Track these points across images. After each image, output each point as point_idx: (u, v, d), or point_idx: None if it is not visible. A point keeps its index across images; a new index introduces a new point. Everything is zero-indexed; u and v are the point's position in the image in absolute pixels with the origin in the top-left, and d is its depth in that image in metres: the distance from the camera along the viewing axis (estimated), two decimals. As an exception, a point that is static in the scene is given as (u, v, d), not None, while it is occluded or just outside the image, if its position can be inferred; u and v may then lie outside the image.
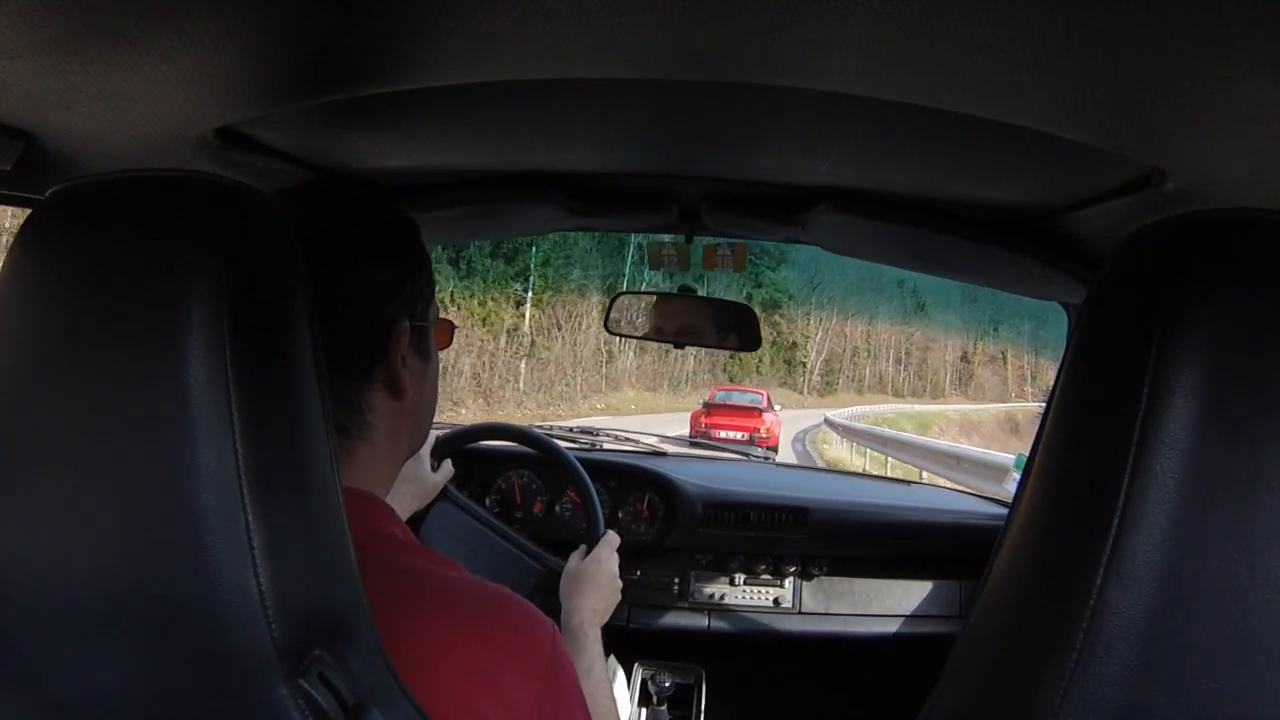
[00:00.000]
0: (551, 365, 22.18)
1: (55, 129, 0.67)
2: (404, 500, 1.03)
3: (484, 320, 20.39)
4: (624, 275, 25.21)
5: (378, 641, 0.41)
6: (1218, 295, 0.35)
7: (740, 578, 1.47)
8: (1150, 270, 0.37)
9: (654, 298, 1.42)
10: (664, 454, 1.65)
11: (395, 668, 0.41)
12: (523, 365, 21.10)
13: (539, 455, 1.25)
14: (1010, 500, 0.52)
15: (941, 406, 32.88)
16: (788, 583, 1.47)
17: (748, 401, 13.28)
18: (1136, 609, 0.35)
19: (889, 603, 1.46)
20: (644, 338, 1.45)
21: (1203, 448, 0.34)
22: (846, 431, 13.18)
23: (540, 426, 1.53)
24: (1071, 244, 0.95)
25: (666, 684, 1.42)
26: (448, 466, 1.11)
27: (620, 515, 1.45)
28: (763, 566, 1.45)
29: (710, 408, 12.79)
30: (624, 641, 1.30)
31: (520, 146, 0.90)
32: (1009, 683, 0.40)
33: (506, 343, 20.87)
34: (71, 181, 0.38)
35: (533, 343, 21.71)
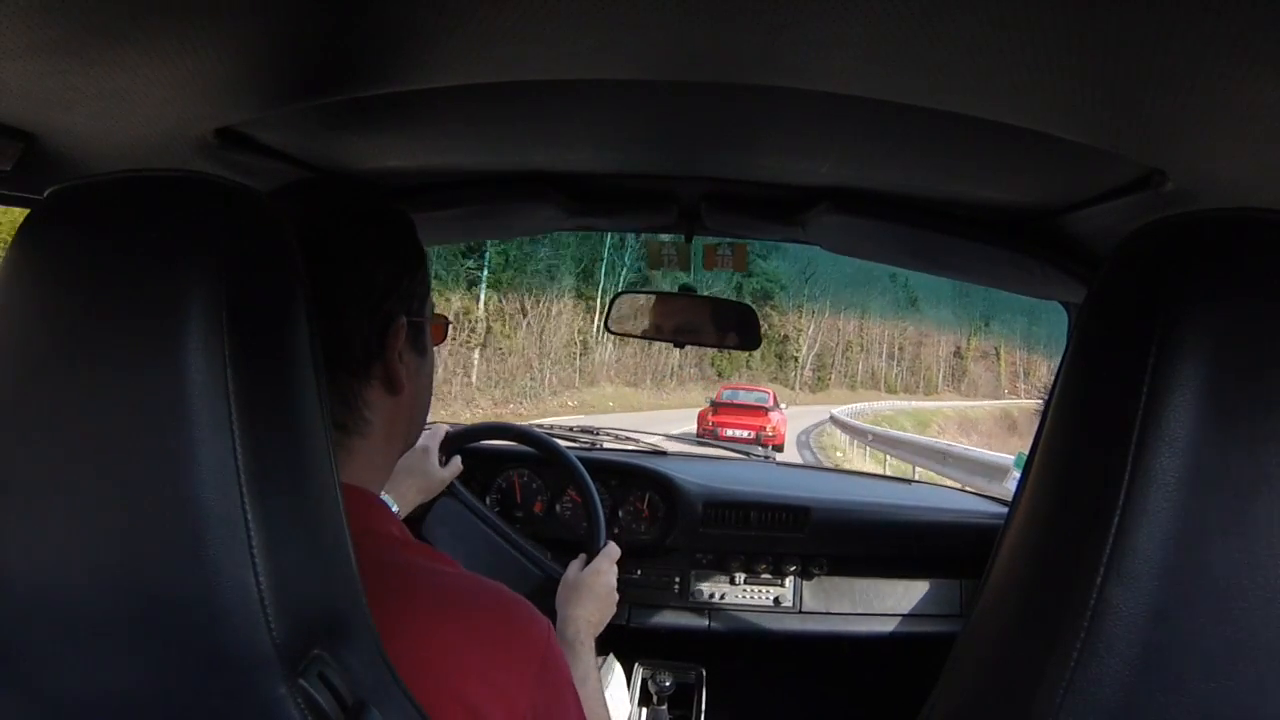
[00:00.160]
0: (513, 356, 19.47)
1: (55, 129, 0.67)
2: (408, 493, 1.04)
3: (427, 302, 18.27)
4: (602, 259, 23.47)
5: (377, 641, 0.41)
6: (1217, 295, 0.35)
7: (740, 577, 1.47)
8: (1150, 269, 0.37)
9: (654, 297, 1.42)
10: (664, 453, 1.65)
11: (393, 665, 0.41)
12: (476, 356, 18.34)
13: (540, 455, 1.25)
14: (1010, 499, 0.52)
15: (938, 403, 32.39)
16: (788, 582, 1.47)
17: (754, 400, 13.55)
18: (1136, 608, 0.35)
19: (889, 602, 1.46)
20: (644, 337, 1.45)
21: (1203, 447, 0.34)
22: (857, 433, 12.85)
23: (540, 426, 1.53)
24: (1071, 244, 0.95)
25: (666, 684, 1.42)
26: (456, 463, 1.11)
27: (620, 514, 1.45)
28: (763, 566, 1.45)
29: (717, 406, 13.07)
30: (624, 641, 1.30)
31: (520, 146, 0.90)
32: (1009, 682, 0.40)
33: (456, 329, 16.91)
34: (70, 182, 0.38)
35: (489, 330, 18.96)
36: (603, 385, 23.56)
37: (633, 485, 1.46)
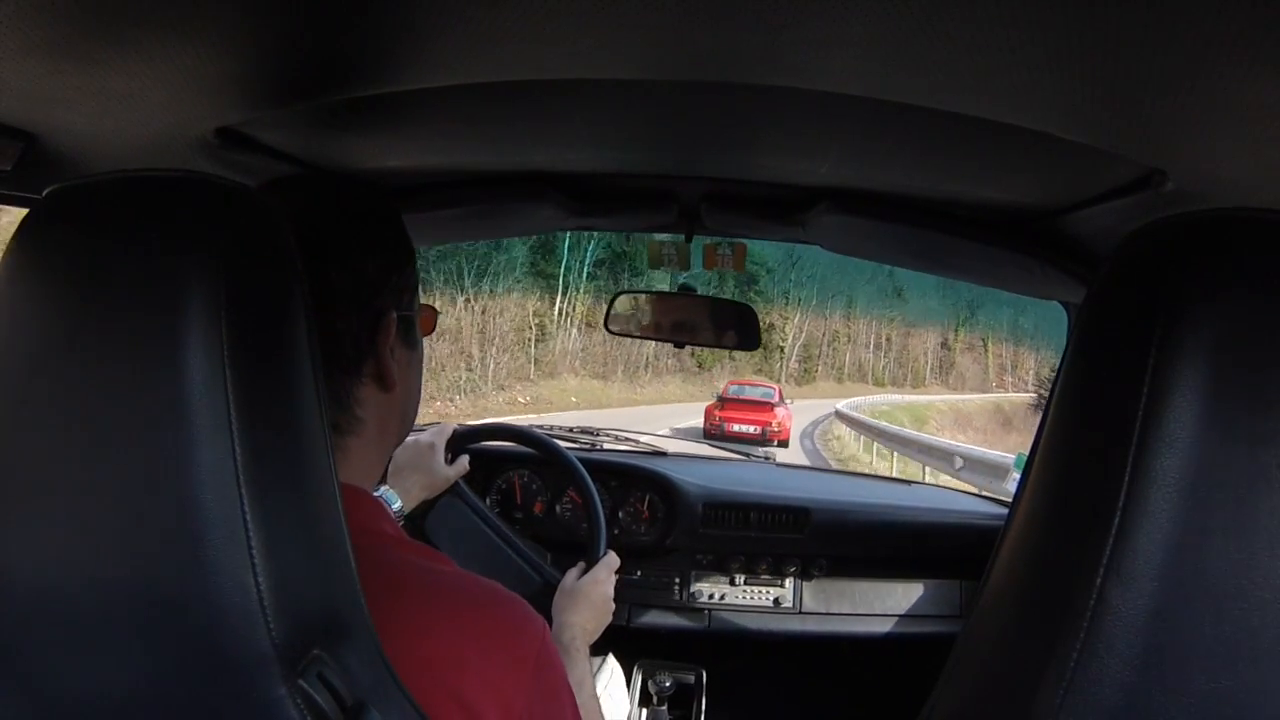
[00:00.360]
0: (446, 342, 16.61)
1: (55, 129, 0.67)
2: (413, 489, 1.03)
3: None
4: (562, 237, 19.75)
5: (376, 641, 0.41)
6: (1218, 294, 0.35)
7: (740, 578, 1.47)
8: (1150, 269, 0.37)
9: (653, 296, 1.42)
10: (664, 454, 1.65)
11: (391, 665, 0.41)
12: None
13: (541, 456, 1.25)
14: (1010, 500, 0.52)
15: (929, 397, 31.48)
16: (788, 583, 1.47)
17: (760, 396, 13.76)
18: (1136, 609, 0.35)
19: (889, 603, 1.46)
20: (643, 336, 1.45)
21: (1203, 447, 0.34)
22: (866, 429, 12.72)
23: (541, 426, 1.53)
24: (1072, 244, 0.95)
25: (666, 684, 1.42)
26: (463, 462, 1.10)
27: (620, 515, 1.45)
28: (763, 566, 1.45)
29: (724, 402, 13.34)
30: (624, 641, 1.30)
31: (520, 146, 0.90)
32: (1009, 683, 0.40)
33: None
34: (68, 182, 0.38)
35: (417, 310, 17.28)
36: (564, 378, 20.64)
37: (633, 486, 1.46)
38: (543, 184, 1.01)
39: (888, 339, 40.48)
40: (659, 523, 1.45)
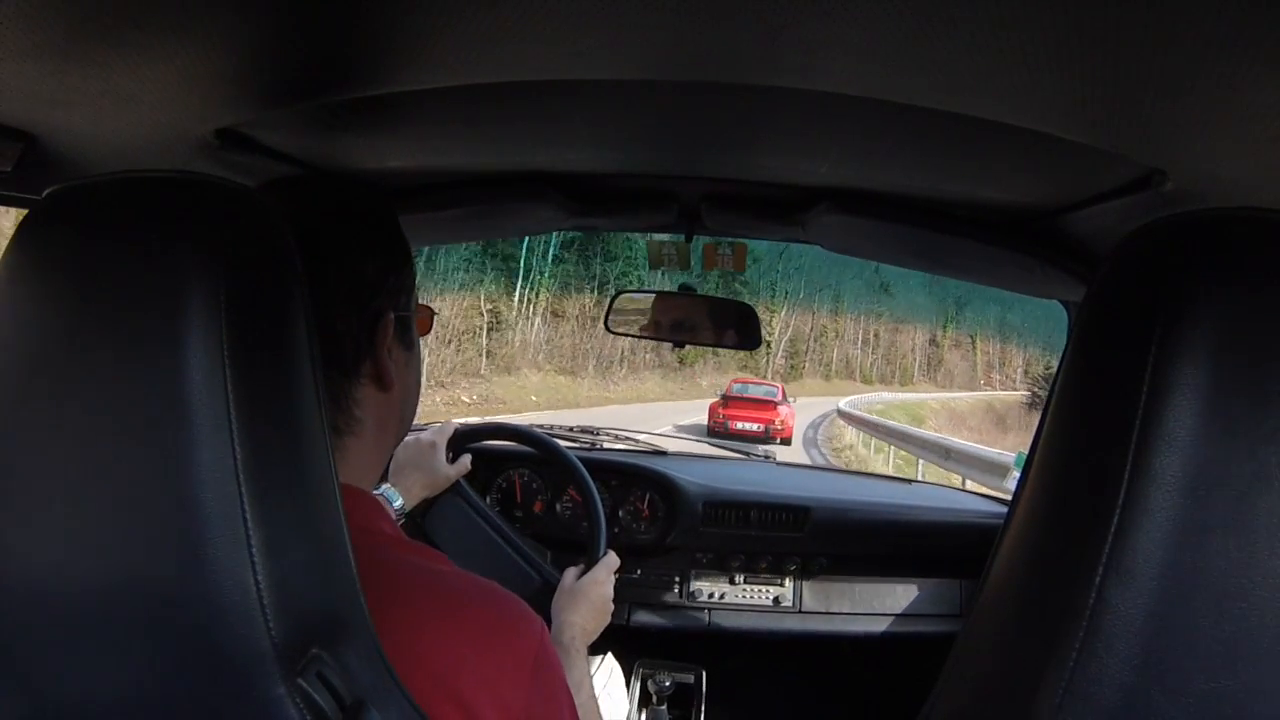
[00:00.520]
0: None
1: (55, 129, 0.67)
2: (414, 488, 1.04)
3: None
4: None
5: (375, 640, 0.41)
6: (1218, 294, 0.35)
7: (740, 577, 1.47)
8: (1150, 269, 0.37)
9: (653, 296, 1.43)
10: (664, 453, 1.65)
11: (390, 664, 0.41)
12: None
13: (541, 455, 1.25)
14: (1010, 498, 0.52)
15: (921, 395, 30.82)
16: (788, 582, 1.47)
17: (763, 394, 14.08)
18: (1136, 608, 0.35)
19: (889, 602, 1.46)
20: (642, 336, 1.45)
21: (1203, 446, 0.34)
22: (870, 427, 12.50)
23: (541, 426, 1.53)
24: (1071, 244, 0.95)
25: (666, 683, 1.42)
26: (465, 461, 1.10)
27: (620, 514, 1.45)
28: (763, 565, 1.46)
29: (728, 400, 13.54)
30: (624, 641, 1.30)
31: (520, 146, 0.90)
32: (1009, 682, 0.40)
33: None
34: (68, 183, 0.38)
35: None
36: (524, 373, 18.29)
37: (633, 485, 1.46)
38: (543, 184, 1.01)
39: (875, 335, 39.80)
40: (659, 521, 1.45)
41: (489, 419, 1.43)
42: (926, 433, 9.85)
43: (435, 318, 0.70)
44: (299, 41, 0.54)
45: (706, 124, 0.79)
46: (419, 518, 1.09)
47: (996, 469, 6.16)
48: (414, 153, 0.91)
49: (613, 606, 1.00)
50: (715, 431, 12.31)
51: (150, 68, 0.55)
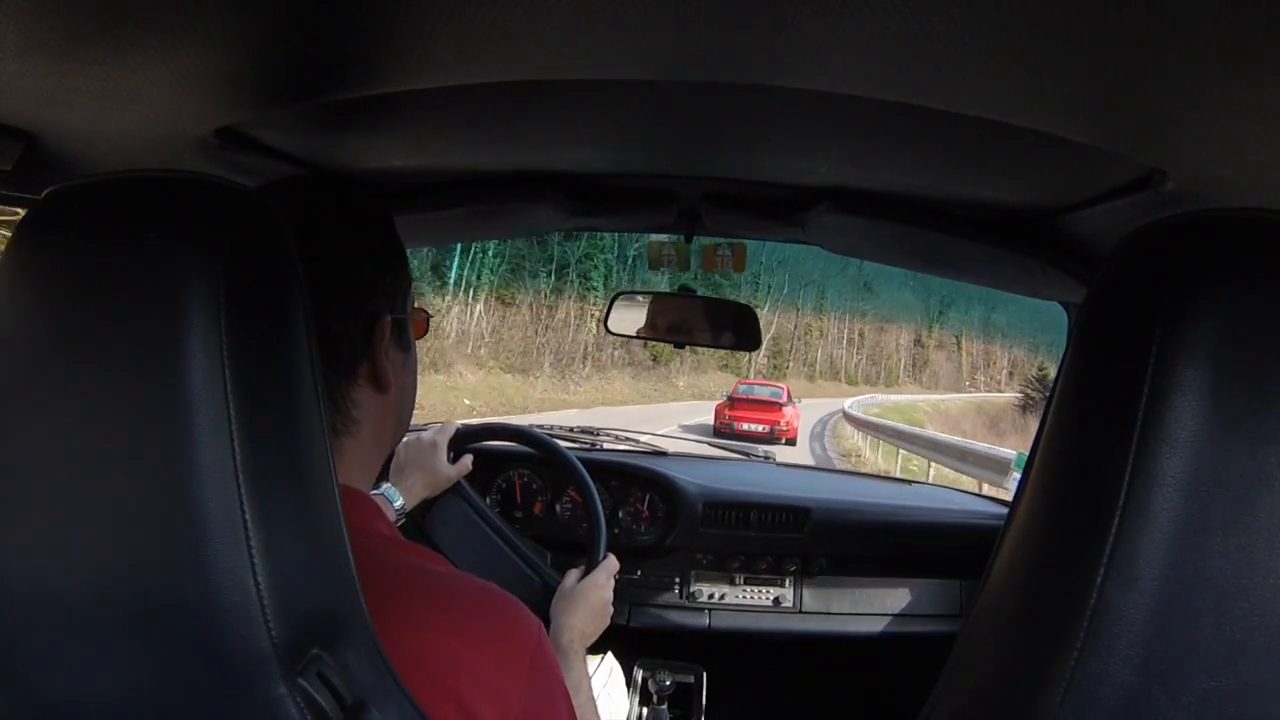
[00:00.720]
0: None
1: (55, 129, 0.67)
2: (414, 487, 1.04)
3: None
4: None
5: (375, 640, 0.41)
6: (1218, 294, 0.35)
7: (740, 577, 1.47)
8: (1151, 269, 0.37)
9: (652, 296, 1.43)
10: (664, 454, 1.65)
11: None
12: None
13: (541, 455, 1.25)
14: (1011, 499, 0.52)
15: (911, 397, 30.09)
16: (788, 582, 1.47)
17: (768, 395, 14.39)
18: (1137, 608, 0.35)
19: (889, 602, 1.46)
20: (640, 337, 1.45)
21: (1203, 446, 0.34)
22: (873, 429, 12.59)
23: (541, 426, 1.53)
24: (1071, 244, 0.95)
25: (667, 683, 1.42)
26: (466, 461, 1.10)
27: (620, 515, 1.45)
28: (763, 566, 1.46)
29: (734, 401, 13.82)
30: (624, 641, 1.30)
31: (520, 146, 0.90)
32: (1009, 682, 0.40)
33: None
34: (68, 182, 0.38)
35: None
36: (458, 371, 15.87)
37: (633, 485, 1.46)
38: (543, 184, 1.01)
39: (860, 334, 39.04)
40: (659, 522, 1.45)
41: (490, 420, 1.43)
42: (946, 436, 9.73)
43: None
44: (299, 41, 0.54)
45: (706, 124, 0.79)
46: (419, 518, 1.09)
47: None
48: (414, 153, 0.91)
49: (612, 610, 1.00)
50: (721, 432, 12.55)
51: (150, 68, 0.55)
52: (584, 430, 1.68)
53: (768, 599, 1.46)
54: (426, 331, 0.67)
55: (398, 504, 0.99)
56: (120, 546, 0.35)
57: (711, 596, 1.46)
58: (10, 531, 0.36)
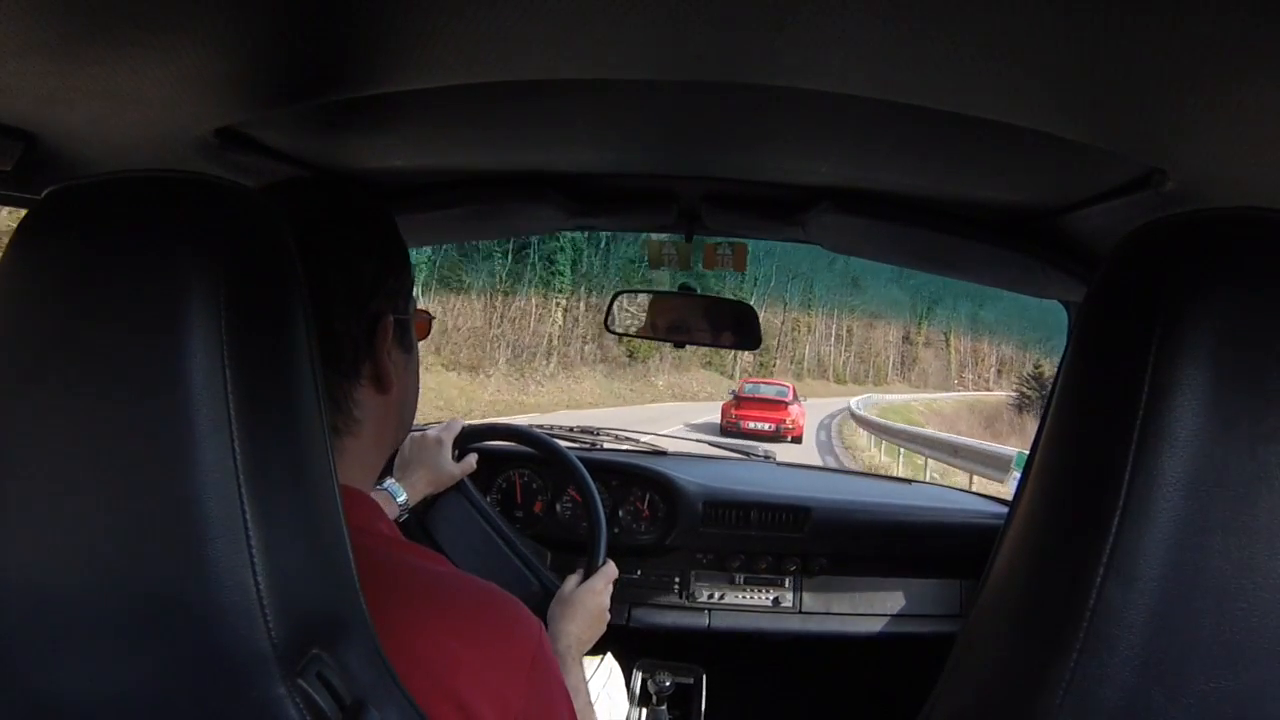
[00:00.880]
0: None
1: (55, 129, 0.67)
2: (418, 483, 1.04)
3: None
4: None
5: (374, 640, 0.41)
6: (1218, 293, 0.35)
7: (740, 577, 1.47)
8: (1151, 269, 0.37)
9: (652, 296, 1.43)
10: (664, 453, 1.65)
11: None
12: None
13: (542, 456, 1.25)
14: (1010, 499, 0.52)
15: (905, 397, 29.06)
16: (788, 582, 1.47)
17: (774, 394, 14.52)
18: (1137, 608, 0.35)
19: (889, 602, 1.46)
20: (640, 336, 1.46)
21: (1203, 446, 0.34)
22: (878, 429, 12.52)
23: (541, 427, 1.53)
24: (1071, 244, 0.95)
25: (666, 684, 1.42)
26: (470, 460, 1.11)
27: (620, 514, 1.45)
28: (763, 566, 1.46)
29: (740, 400, 13.94)
30: (624, 641, 1.30)
31: (520, 146, 0.90)
32: (1009, 682, 0.40)
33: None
34: (67, 182, 0.38)
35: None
36: None
37: (633, 485, 1.46)
38: (543, 184, 1.01)
39: (848, 331, 38.00)
40: (659, 522, 1.45)
41: (495, 420, 1.44)
42: (959, 438, 9.57)
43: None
44: (299, 41, 0.54)
45: (706, 124, 0.79)
46: (421, 514, 1.09)
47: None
48: (414, 153, 0.91)
49: (609, 617, 1.00)
50: (728, 431, 12.66)
51: (150, 68, 0.55)
52: (584, 430, 1.68)
53: (767, 599, 1.46)
54: (429, 333, 0.67)
55: (401, 499, 0.99)
56: (120, 546, 0.35)
57: (711, 596, 1.46)
58: (10, 531, 0.36)
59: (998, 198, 0.91)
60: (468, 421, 1.20)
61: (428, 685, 0.43)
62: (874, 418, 14.43)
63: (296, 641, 0.37)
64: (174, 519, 0.35)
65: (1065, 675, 0.36)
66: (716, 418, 13.73)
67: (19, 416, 0.36)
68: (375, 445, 0.56)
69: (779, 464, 1.79)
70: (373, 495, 0.57)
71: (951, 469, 8.08)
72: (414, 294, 0.60)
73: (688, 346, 1.45)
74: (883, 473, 6.73)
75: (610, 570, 1.03)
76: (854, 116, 0.69)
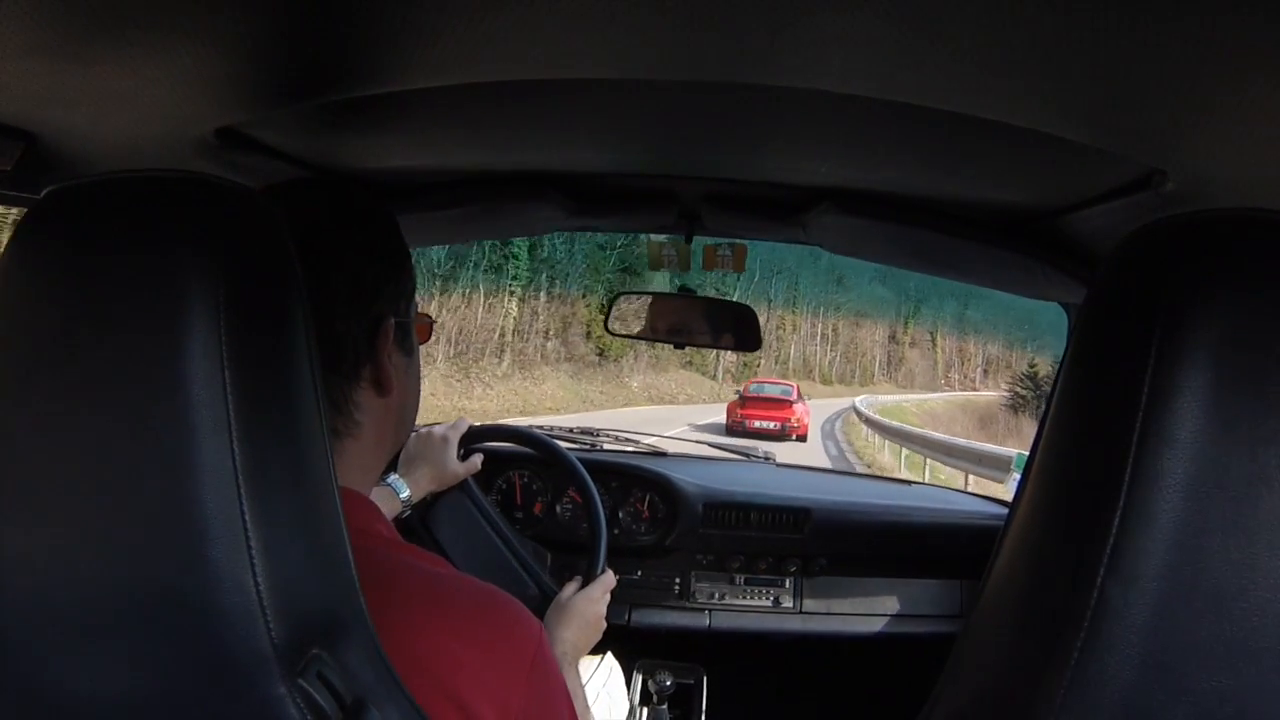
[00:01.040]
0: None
1: (55, 129, 0.67)
2: (421, 480, 1.04)
3: None
4: None
5: (375, 640, 0.41)
6: (1218, 294, 0.35)
7: (740, 578, 1.47)
8: (1151, 270, 0.37)
9: (652, 297, 1.43)
10: (664, 454, 1.65)
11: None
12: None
13: (542, 456, 1.25)
14: (1010, 499, 0.52)
15: (897, 397, 28.48)
16: (788, 582, 1.47)
17: (779, 393, 14.87)
18: (1137, 609, 0.35)
19: (889, 602, 1.46)
20: (640, 337, 1.46)
21: (1203, 447, 0.34)
22: (881, 429, 12.56)
23: (540, 427, 1.53)
24: (1071, 244, 0.95)
25: (667, 683, 1.42)
26: (476, 460, 1.11)
27: (620, 515, 1.45)
28: (763, 566, 1.46)
29: (745, 400, 14.27)
30: (624, 641, 1.30)
31: (520, 146, 0.90)
32: (1009, 683, 0.40)
33: None
34: (66, 182, 0.38)
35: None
36: None
37: (633, 486, 1.46)
38: (543, 184, 1.01)
39: (834, 330, 37.21)
40: (659, 523, 1.45)
41: (506, 422, 1.44)
42: (974, 442, 9.45)
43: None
44: (299, 41, 0.54)
45: (706, 124, 0.79)
46: (423, 512, 1.09)
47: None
48: (414, 153, 0.91)
49: (604, 625, 1.00)
50: (734, 430, 12.94)
51: (150, 68, 0.55)
52: (584, 431, 1.68)
53: (768, 599, 1.46)
54: (430, 336, 0.67)
55: (404, 495, 0.99)
56: (119, 547, 0.35)
57: (711, 597, 1.46)
58: (10, 532, 0.36)
59: (998, 198, 0.91)
60: (477, 423, 1.20)
61: (428, 685, 0.43)
62: (889, 421, 14.31)
63: (297, 641, 0.37)
64: (173, 519, 0.35)
65: (1066, 675, 0.36)
66: (713, 419, 13.82)
67: (18, 417, 0.36)
68: (375, 448, 0.56)
69: (779, 465, 1.79)
70: (375, 490, 0.57)
71: (959, 472, 8.03)
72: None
73: (660, 346, 1.45)
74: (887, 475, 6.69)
75: (608, 580, 1.04)
76: (854, 116, 0.69)
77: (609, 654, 1.26)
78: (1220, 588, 0.34)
